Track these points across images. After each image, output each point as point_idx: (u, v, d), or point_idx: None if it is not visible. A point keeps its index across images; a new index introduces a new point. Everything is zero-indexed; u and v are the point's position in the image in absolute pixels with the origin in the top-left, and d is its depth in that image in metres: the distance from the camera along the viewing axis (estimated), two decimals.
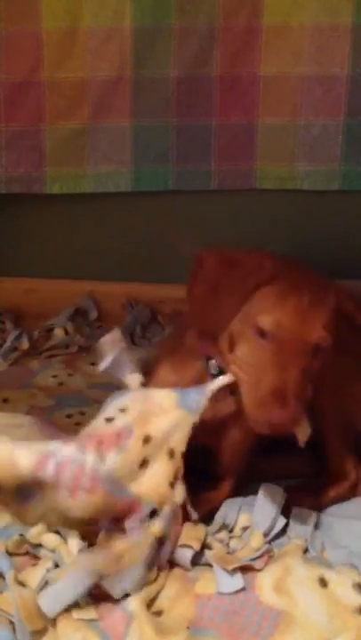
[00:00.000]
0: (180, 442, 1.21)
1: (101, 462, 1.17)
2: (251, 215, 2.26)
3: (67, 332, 2.14)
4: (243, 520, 1.34)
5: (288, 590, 1.15)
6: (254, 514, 1.33)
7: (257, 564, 1.22)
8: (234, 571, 1.19)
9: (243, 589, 1.17)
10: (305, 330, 1.26)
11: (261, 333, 1.26)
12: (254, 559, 1.24)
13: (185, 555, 1.22)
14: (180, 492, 1.22)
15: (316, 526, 1.35)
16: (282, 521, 1.32)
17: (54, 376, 1.94)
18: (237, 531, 1.33)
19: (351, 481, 1.51)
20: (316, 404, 1.46)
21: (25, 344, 2.09)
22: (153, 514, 1.16)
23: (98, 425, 1.25)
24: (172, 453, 1.19)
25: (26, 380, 1.91)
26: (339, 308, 1.31)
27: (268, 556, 1.24)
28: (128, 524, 1.17)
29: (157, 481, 1.17)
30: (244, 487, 1.42)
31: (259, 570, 1.20)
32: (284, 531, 1.33)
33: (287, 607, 1.12)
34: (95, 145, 2.14)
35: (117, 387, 1.78)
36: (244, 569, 1.21)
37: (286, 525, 1.34)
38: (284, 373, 1.23)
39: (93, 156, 2.15)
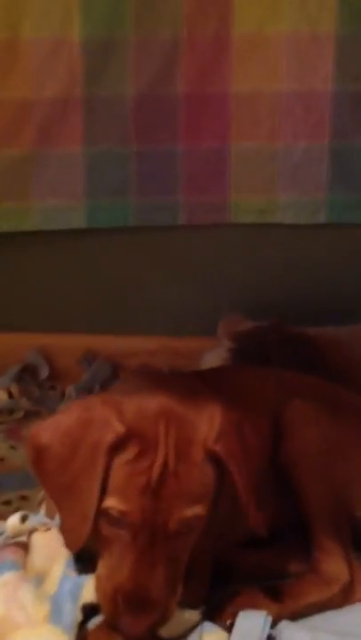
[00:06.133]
0: None
1: None
2: (225, 253, 2.15)
3: (11, 395, 1.99)
4: None
5: None
6: None
7: None
8: None
9: None
10: (160, 512, 1.07)
11: (109, 516, 1.09)
12: None
13: None
14: None
15: None
16: None
17: None
18: None
19: (341, 584, 1.26)
20: (297, 486, 1.32)
21: None
22: None
23: None
24: None
25: None
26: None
27: None
28: None
29: None
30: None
31: None
32: None
33: None
34: (42, 175, 2.02)
35: None
36: None
37: None
38: (138, 566, 1.07)
39: (40, 188, 2.03)
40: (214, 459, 1.10)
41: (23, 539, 1.20)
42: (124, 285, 2.15)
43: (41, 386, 2.06)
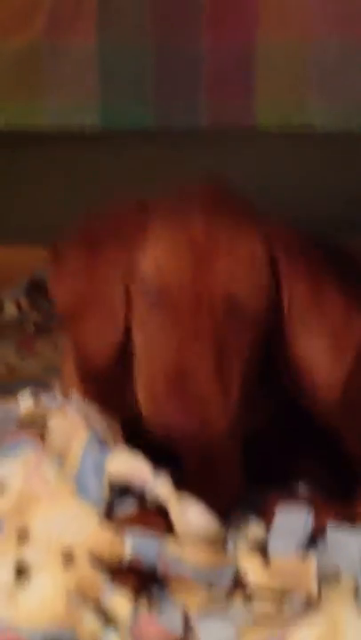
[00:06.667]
0: (82, 540, 0.92)
1: None
2: (250, 160, 2.08)
3: (20, 308, 1.96)
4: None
5: None
6: (271, 541, 1.04)
7: None
8: None
9: None
10: (204, 275, 0.96)
11: (146, 292, 0.98)
12: None
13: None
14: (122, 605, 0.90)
15: None
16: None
17: (3, 361, 1.73)
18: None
19: None
20: None
21: None
22: None
23: None
24: (69, 557, 0.91)
25: None
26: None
27: None
28: None
29: (47, 598, 0.87)
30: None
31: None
32: None
33: None
34: (54, 69, 1.97)
35: None
36: None
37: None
38: (182, 350, 0.94)
39: (50, 83, 1.96)
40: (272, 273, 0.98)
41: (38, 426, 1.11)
42: (140, 195, 2.06)
43: (51, 300, 1.99)
